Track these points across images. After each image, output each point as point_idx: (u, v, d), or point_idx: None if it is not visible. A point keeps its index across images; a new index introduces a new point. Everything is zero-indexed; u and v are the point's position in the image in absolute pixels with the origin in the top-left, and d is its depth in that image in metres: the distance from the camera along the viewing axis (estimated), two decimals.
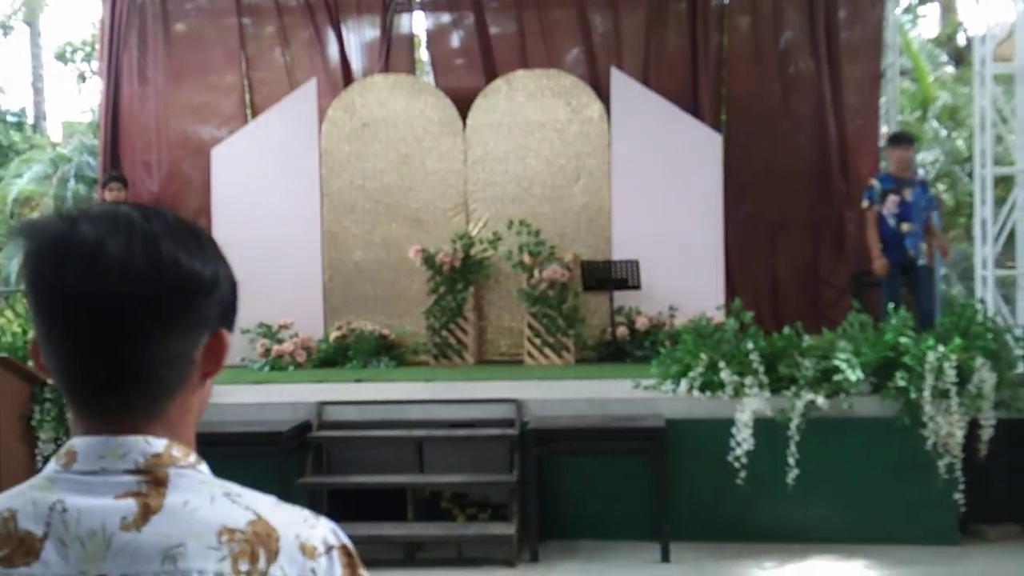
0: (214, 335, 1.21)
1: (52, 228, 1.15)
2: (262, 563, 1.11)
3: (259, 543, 1.12)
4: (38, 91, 28.79)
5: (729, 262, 11.19)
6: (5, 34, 29.25)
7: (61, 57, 27.50)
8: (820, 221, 11.74)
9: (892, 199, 9.01)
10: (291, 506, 1.19)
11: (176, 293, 1.16)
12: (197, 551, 1.10)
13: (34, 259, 1.15)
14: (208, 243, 1.21)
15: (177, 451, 1.16)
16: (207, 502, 1.14)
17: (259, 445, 6.85)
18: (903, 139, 9.60)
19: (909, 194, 9.04)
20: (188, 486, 1.15)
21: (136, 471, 1.13)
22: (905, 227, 9.00)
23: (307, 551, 1.14)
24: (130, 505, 1.12)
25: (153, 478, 1.13)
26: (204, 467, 1.19)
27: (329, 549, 1.16)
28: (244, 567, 1.10)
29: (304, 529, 1.16)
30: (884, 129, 12.40)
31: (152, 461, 1.14)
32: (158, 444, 1.15)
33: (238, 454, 7.04)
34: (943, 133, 15.10)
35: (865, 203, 9.27)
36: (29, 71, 28.92)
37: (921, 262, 9.02)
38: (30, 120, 26.65)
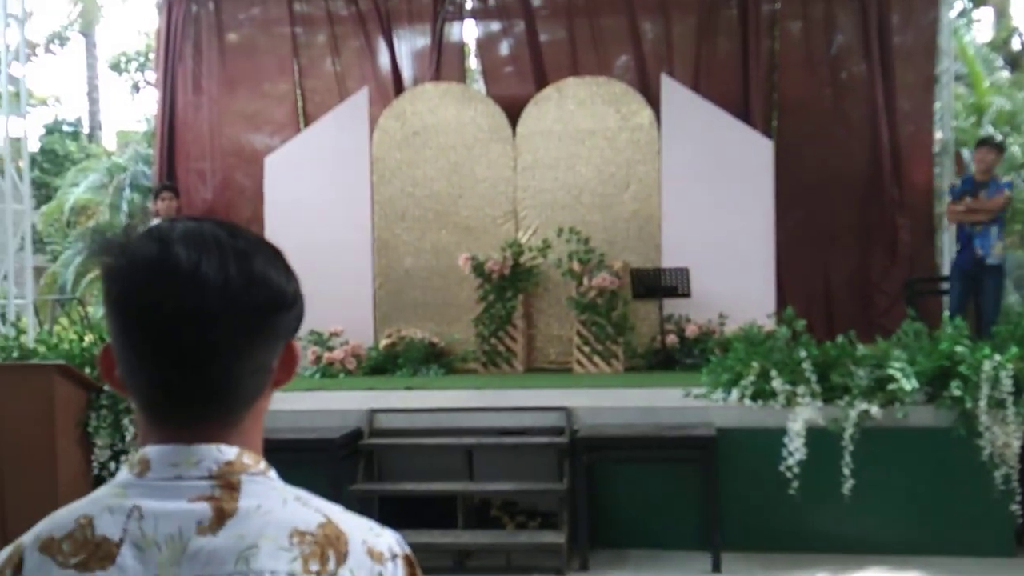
0: (287, 346, 1.25)
1: (144, 249, 1.17)
2: (331, 565, 1.14)
3: (329, 545, 1.15)
4: (93, 101, 29.28)
5: (780, 269, 11.10)
6: (62, 45, 29.77)
7: (116, 67, 27.97)
8: (873, 228, 11.61)
9: (967, 200, 9.10)
10: (357, 515, 1.23)
11: (268, 310, 1.20)
12: (269, 552, 1.13)
13: (124, 279, 1.18)
14: (283, 257, 1.25)
15: (248, 458, 1.20)
16: (279, 505, 1.18)
17: (311, 452, 6.89)
18: (984, 141, 9.89)
19: (984, 196, 9.18)
20: (260, 491, 1.18)
21: (210, 477, 1.16)
22: (977, 228, 9.09)
23: (375, 556, 1.17)
24: (205, 509, 1.15)
25: (226, 483, 1.17)
26: (273, 473, 1.23)
27: (394, 556, 1.20)
28: (315, 567, 1.13)
29: (371, 536, 1.20)
30: (938, 135, 12.26)
31: (225, 468, 1.18)
32: (230, 452, 1.19)
33: (291, 461, 7.04)
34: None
35: (948, 199, 9.76)
36: (85, 81, 29.44)
37: (990, 261, 9.06)
38: (85, 130, 27.10)
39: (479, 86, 12.65)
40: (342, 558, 1.15)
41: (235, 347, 1.18)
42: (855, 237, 11.60)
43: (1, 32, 10.59)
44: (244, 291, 1.17)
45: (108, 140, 23.90)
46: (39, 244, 19.52)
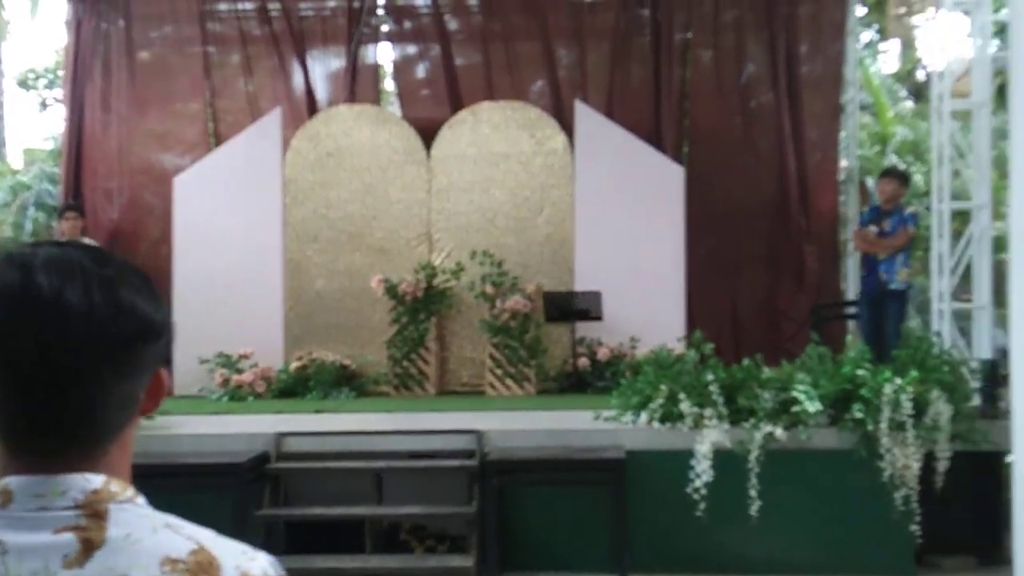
0: (155, 374, 1.22)
1: (4, 276, 1.14)
2: None
3: (201, 571, 1.13)
4: None
5: (691, 294, 11.25)
6: None
7: (24, 84, 27.30)
8: (780, 255, 11.83)
9: (872, 229, 9.31)
10: (230, 539, 1.20)
11: (135, 339, 1.17)
12: None
13: None
14: (151, 285, 1.23)
15: (116, 486, 1.16)
16: (149, 533, 1.14)
17: (216, 476, 6.78)
18: (887, 172, 10.17)
19: (888, 225, 9.36)
20: (129, 519, 1.15)
21: (75, 507, 1.13)
22: (880, 255, 9.34)
23: None
24: (71, 541, 1.11)
25: (93, 512, 1.13)
26: (142, 500, 1.19)
27: None
28: None
29: (244, 560, 1.17)
30: (844, 163, 12.55)
31: (91, 497, 1.14)
32: (96, 480, 1.15)
33: (195, 485, 7.00)
34: (902, 168, 15.25)
35: (856, 228, 10.06)
36: None
37: (893, 287, 9.26)
38: None
39: (394, 109, 12.64)
40: None
41: (100, 377, 1.15)
42: (763, 264, 11.81)
43: None
44: (110, 320, 1.14)
45: (14, 158, 23.30)
46: None
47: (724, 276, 11.76)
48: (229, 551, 1.17)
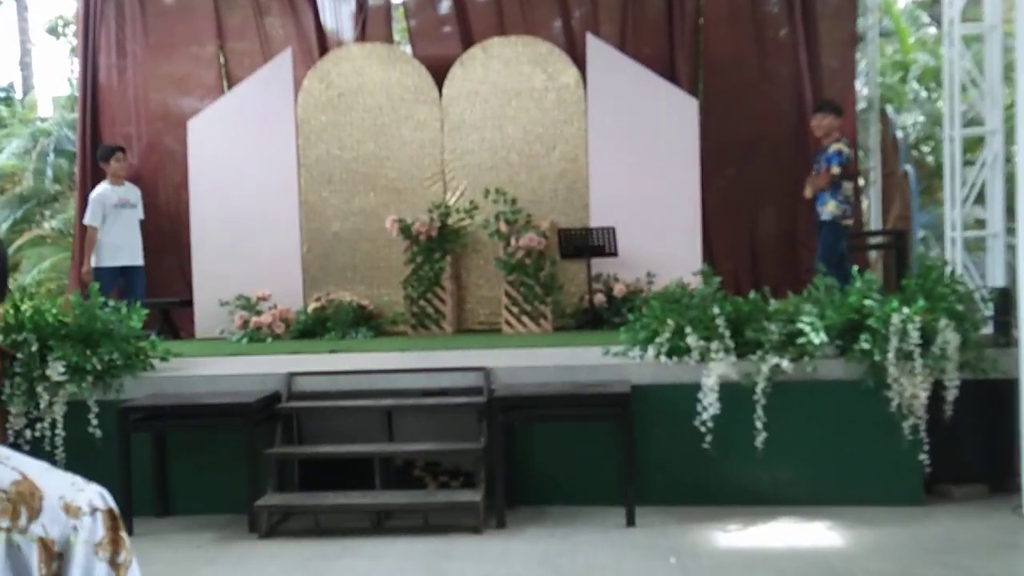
0: None
1: None
2: (23, 520, 1.13)
3: (22, 502, 1.14)
4: (26, 66, 28.68)
5: (709, 228, 11.20)
6: None
7: (53, 31, 27.38)
8: (798, 186, 11.69)
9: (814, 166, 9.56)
10: (64, 472, 1.21)
11: None
12: None
13: None
14: None
15: None
16: None
17: (227, 416, 6.86)
18: (819, 106, 9.96)
19: (821, 160, 9.52)
20: None
21: None
22: (807, 193, 9.59)
23: (71, 511, 1.16)
24: None
25: None
26: None
27: (94, 511, 1.18)
28: (4, 524, 1.13)
29: (71, 491, 1.18)
30: (864, 91, 12.37)
31: None
32: None
33: (207, 425, 7.12)
34: (924, 95, 15.04)
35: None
36: (17, 45, 28.80)
37: (823, 218, 9.46)
38: (19, 95, 26.53)
39: (406, 47, 12.55)
40: (35, 514, 1.14)
41: None
42: (781, 195, 11.70)
43: None
44: None
45: (44, 105, 23.42)
46: None
47: (742, 209, 11.69)
48: (55, 482, 1.18)
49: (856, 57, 12.03)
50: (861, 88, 12.13)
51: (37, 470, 1.18)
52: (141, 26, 12.47)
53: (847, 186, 9.54)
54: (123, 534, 1.20)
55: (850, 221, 9.58)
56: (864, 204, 12.23)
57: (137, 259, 9.28)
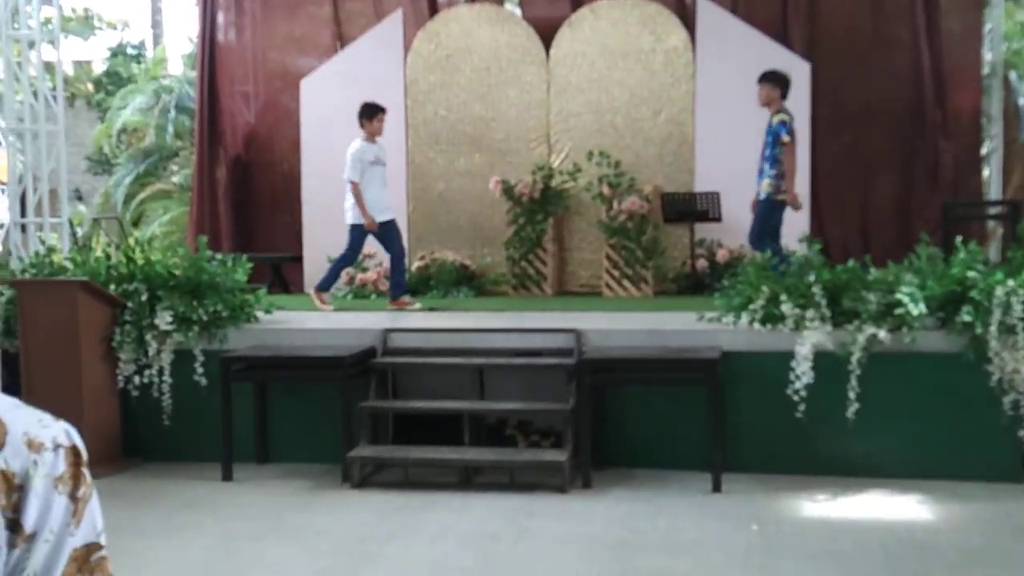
0: None
1: None
2: None
3: None
4: (156, 24, 29.58)
5: (820, 195, 10.98)
6: None
7: None
8: (914, 153, 11.39)
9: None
10: (33, 410, 1.24)
11: None
12: None
13: None
14: None
15: None
16: None
17: (322, 369, 7.05)
18: (761, 76, 9.03)
19: (767, 133, 8.86)
20: None
21: None
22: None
23: (33, 446, 1.19)
24: None
25: None
26: None
27: (57, 447, 1.21)
28: None
29: (36, 428, 1.21)
30: (988, 57, 11.91)
31: None
32: None
33: (304, 377, 7.33)
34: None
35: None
36: (148, 5, 29.73)
37: (761, 196, 8.84)
38: (150, 53, 27.34)
39: (514, 8, 12.55)
40: None
41: None
42: (895, 163, 11.41)
43: None
44: None
45: (174, 63, 24.16)
46: (106, 165, 19.93)
47: (855, 176, 11.42)
48: (23, 419, 1.21)
49: (981, 21, 11.57)
50: (984, 53, 11.67)
51: (5, 406, 1.21)
52: None
53: (785, 161, 8.78)
54: (85, 470, 1.23)
55: (783, 196, 8.94)
56: (984, 173, 11.82)
57: (389, 213, 9.37)
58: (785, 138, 8.70)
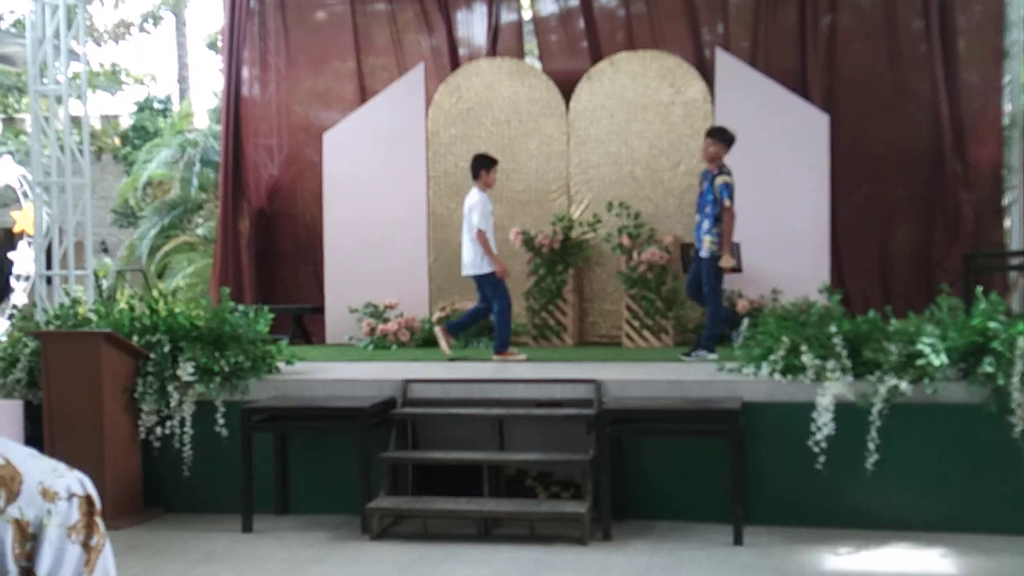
0: None
1: None
2: (1, 502, 1.20)
3: (2, 485, 1.21)
4: (183, 79, 30.01)
5: (840, 245, 10.98)
6: (155, 24, 30.54)
7: (212, 46, 28.62)
8: (934, 204, 11.38)
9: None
10: (49, 459, 1.28)
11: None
12: None
13: None
14: None
15: None
16: None
17: (342, 420, 7.08)
18: (708, 132, 9.15)
19: (704, 187, 8.92)
20: None
21: None
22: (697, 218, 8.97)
23: (48, 495, 1.22)
24: None
25: None
26: None
27: (71, 497, 1.24)
28: None
29: (51, 477, 1.25)
30: (1008, 108, 11.93)
31: None
32: None
33: (324, 427, 7.36)
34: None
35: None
36: (175, 60, 30.18)
37: (703, 254, 8.87)
38: (176, 107, 27.72)
39: (534, 61, 12.69)
40: (13, 497, 1.20)
41: None
42: (916, 213, 11.41)
43: (81, 13, 10.93)
44: None
45: (200, 117, 24.53)
46: (131, 218, 20.16)
47: (874, 226, 11.42)
48: (38, 469, 1.24)
49: (1000, 73, 11.61)
50: (1004, 105, 11.70)
51: (21, 456, 1.25)
52: (284, 41, 12.92)
53: (724, 225, 8.79)
54: (98, 520, 1.26)
55: (727, 262, 8.84)
56: (1006, 223, 11.79)
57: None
58: (727, 203, 8.75)
